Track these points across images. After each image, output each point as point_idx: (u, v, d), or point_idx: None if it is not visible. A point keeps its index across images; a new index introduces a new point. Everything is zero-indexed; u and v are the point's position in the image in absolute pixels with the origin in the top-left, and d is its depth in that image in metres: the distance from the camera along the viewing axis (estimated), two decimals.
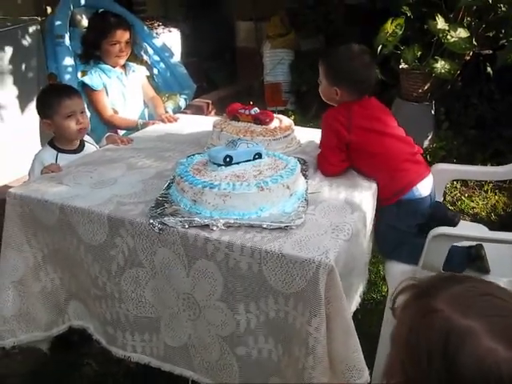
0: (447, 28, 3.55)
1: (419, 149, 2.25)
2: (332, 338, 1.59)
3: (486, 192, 4.02)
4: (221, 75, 5.92)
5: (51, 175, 2.14)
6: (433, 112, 4.30)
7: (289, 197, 1.79)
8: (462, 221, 3.45)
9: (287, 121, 2.43)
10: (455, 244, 2.10)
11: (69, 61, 4.01)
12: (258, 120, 2.32)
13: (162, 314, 1.86)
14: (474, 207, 3.86)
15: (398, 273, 2.19)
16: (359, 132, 2.09)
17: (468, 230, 2.30)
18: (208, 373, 1.83)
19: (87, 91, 3.05)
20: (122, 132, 3.03)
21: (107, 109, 3.05)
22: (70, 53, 4.04)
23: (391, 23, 3.67)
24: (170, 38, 5.19)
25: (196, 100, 5.20)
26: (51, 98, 2.41)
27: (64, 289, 2.07)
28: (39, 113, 2.48)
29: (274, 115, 2.43)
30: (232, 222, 1.69)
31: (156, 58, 4.77)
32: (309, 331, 1.55)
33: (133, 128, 2.97)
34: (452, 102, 4.52)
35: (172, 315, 1.83)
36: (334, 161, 2.12)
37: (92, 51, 3.08)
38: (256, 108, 2.37)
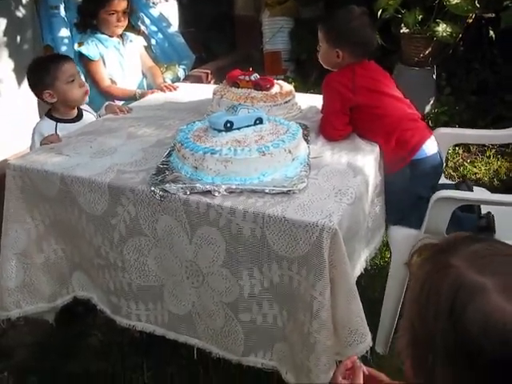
0: None
1: (418, 113, 2.23)
2: (335, 302, 1.59)
3: (489, 157, 4.00)
4: (219, 44, 5.84)
5: (51, 146, 2.12)
6: (434, 77, 4.24)
7: (291, 161, 1.77)
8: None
9: (288, 86, 2.40)
10: (466, 213, 2.10)
11: (65, 32, 3.96)
12: (258, 86, 2.29)
13: (165, 282, 1.85)
14: (476, 172, 3.84)
15: (401, 238, 2.18)
16: (364, 93, 2.08)
17: (470, 192, 2.27)
18: (213, 340, 1.84)
19: (84, 61, 3.01)
20: (121, 102, 3.01)
21: (105, 79, 3.01)
22: (66, 23, 3.99)
23: None
24: (167, 8, 5.10)
25: (195, 70, 5.14)
26: (48, 65, 2.37)
27: (67, 259, 2.07)
28: (36, 86, 2.41)
29: (275, 81, 2.40)
30: (234, 187, 1.67)
31: (153, 28, 4.72)
32: (313, 295, 1.55)
33: (131, 98, 2.94)
34: (453, 67, 4.46)
35: (175, 283, 1.82)
36: (338, 124, 2.10)
37: (89, 21, 3.03)
38: (256, 74, 2.34)
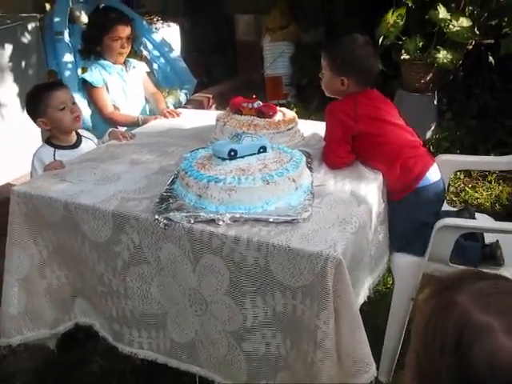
0: (449, 18, 3.52)
1: (419, 140, 2.24)
2: (339, 331, 1.58)
3: (490, 182, 4.01)
4: (221, 69, 5.89)
5: (54, 172, 2.13)
6: (435, 103, 4.28)
7: (294, 190, 1.78)
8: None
9: (290, 114, 2.41)
10: (470, 241, 2.10)
11: (69, 57, 4.01)
12: (261, 113, 2.31)
13: (168, 310, 1.85)
14: (477, 198, 3.84)
15: (404, 265, 2.17)
16: (366, 121, 2.08)
17: (474, 220, 2.28)
18: (215, 368, 1.83)
19: (88, 88, 3.04)
20: (124, 128, 3.02)
21: (108, 106, 3.03)
22: (70, 49, 4.05)
23: (392, 14, 3.64)
24: (170, 33, 5.17)
25: (196, 95, 5.19)
26: (40, 93, 2.40)
27: (70, 286, 2.06)
28: (32, 114, 2.45)
29: (277, 108, 2.41)
30: (238, 216, 1.67)
31: (156, 53, 4.78)
32: (317, 325, 1.54)
33: (134, 124, 2.96)
34: (454, 93, 4.50)
35: (178, 311, 1.82)
36: (341, 153, 2.11)
37: (93, 47, 3.05)
38: (259, 101, 2.35)
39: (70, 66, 3.97)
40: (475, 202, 3.79)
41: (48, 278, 2.04)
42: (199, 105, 5.06)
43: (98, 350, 2.51)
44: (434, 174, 2.14)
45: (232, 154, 1.83)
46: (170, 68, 4.82)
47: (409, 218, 2.14)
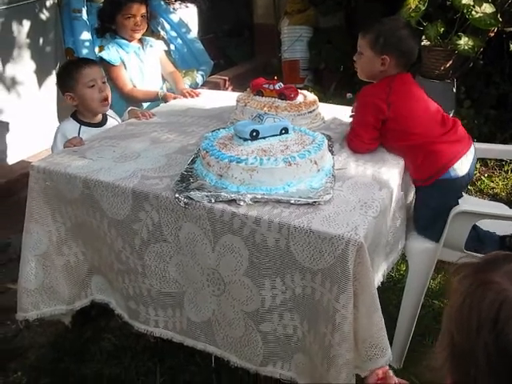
0: (472, 3, 3.47)
1: (456, 120, 2.19)
2: (357, 315, 1.57)
3: (506, 172, 3.97)
4: (238, 52, 5.86)
5: (74, 149, 2.13)
6: (454, 90, 4.22)
7: (316, 172, 1.76)
8: (482, 200, 3.43)
9: (311, 96, 2.38)
10: (490, 231, 2.08)
11: (86, 35, 3.98)
12: (282, 95, 2.28)
13: (185, 290, 1.85)
14: (493, 187, 3.81)
15: (419, 251, 2.17)
16: (398, 109, 2.05)
17: (491, 207, 2.26)
18: (231, 348, 1.83)
19: (105, 66, 3.02)
20: (144, 105, 3.01)
21: (127, 83, 3.02)
22: (88, 27, 4.01)
23: None
24: (187, 14, 5.13)
25: (213, 76, 5.16)
26: (71, 69, 2.41)
27: (87, 263, 2.07)
28: (61, 87, 2.46)
29: (299, 90, 2.39)
30: (259, 197, 1.66)
31: (173, 33, 4.73)
32: (336, 308, 1.54)
33: (153, 99, 2.95)
34: (473, 81, 4.44)
35: (196, 290, 1.82)
36: (367, 138, 2.08)
37: (108, 25, 3.04)
38: (280, 83, 2.33)
39: (87, 44, 3.94)
40: (491, 192, 3.77)
41: (66, 254, 2.05)
42: (215, 87, 5.04)
43: (111, 327, 2.54)
44: (459, 170, 2.09)
45: (254, 134, 1.82)
46: (187, 49, 4.77)
47: (425, 205, 2.13)
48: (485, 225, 2.18)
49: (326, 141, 1.90)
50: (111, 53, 3.00)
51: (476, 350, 0.80)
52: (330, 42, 5.30)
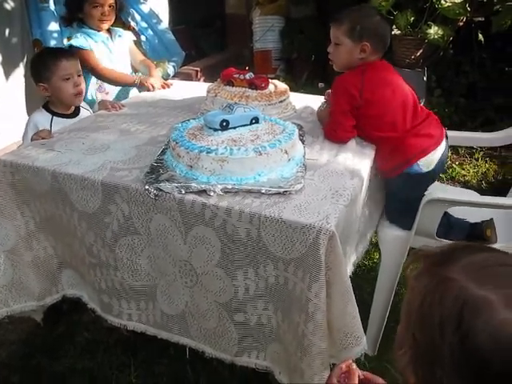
0: None
1: (429, 113, 2.20)
2: (331, 304, 1.58)
3: (477, 160, 4.02)
4: (210, 42, 5.82)
5: (42, 141, 2.09)
6: (425, 79, 4.26)
7: (287, 162, 1.76)
8: (453, 187, 3.47)
9: (282, 86, 2.38)
10: (459, 217, 2.09)
11: (54, 26, 3.91)
12: (253, 85, 2.27)
13: (158, 282, 1.83)
14: (464, 175, 3.86)
15: (391, 239, 2.19)
16: (369, 95, 2.04)
17: (461, 194, 2.28)
18: (206, 340, 1.82)
19: (76, 53, 2.95)
20: (114, 96, 2.96)
21: (99, 63, 2.93)
22: (55, 18, 3.94)
23: None
24: (158, 4, 5.07)
25: (184, 67, 5.12)
26: (48, 59, 2.35)
27: (57, 257, 2.04)
28: (34, 76, 2.40)
29: (269, 80, 2.38)
30: (230, 187, 1.65)
31: (143, 24, 4.68)
32: (309, 297, 1.54)
33: (129, 84, 2.91)
34: (444, 70, 4.48)
35: (168, 282, 1.80)
36: (349, 126, 2.07)
37: (75, 14, 2.98)
38: (251, 73, 2.32)
39: (55, 34, 3.87)
40: (462, 179, 3.81)
41: (35, 249, 2.01)
42: (187, 77, 5.00)
43: (83, 322, 2.51)
44: (424, 166, 2.09)
45: (224, 124, 1.81)
46: (158, 40, 4.72)
47: (393, 195, 2.14)
48: (457, 212, 2.20)
49: (297, 130, 1.89)
50: (79, 40, 2.95)
51: (441, 350, 0.78)
52: (302, 31, 5.30)
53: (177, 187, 1.66)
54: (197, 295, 1.76)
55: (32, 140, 2.15)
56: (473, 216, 2.24)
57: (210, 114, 1.87)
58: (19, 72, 3.86)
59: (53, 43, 3.86)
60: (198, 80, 5.16)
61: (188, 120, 2.01)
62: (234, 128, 1.83)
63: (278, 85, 2.38)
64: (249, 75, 2.29)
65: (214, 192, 1.64)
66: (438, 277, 0.82)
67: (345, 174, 1.82)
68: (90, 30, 2.97)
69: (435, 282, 0.82)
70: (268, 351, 1.75)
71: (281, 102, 2.27)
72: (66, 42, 3.48)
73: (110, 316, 1.96)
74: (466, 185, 3.71)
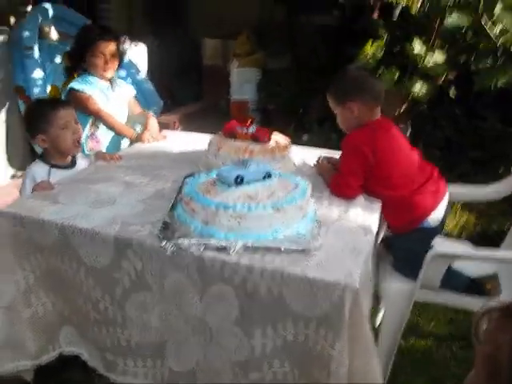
0: (423, 54, 3.61)
1: (433, 168, 2.24)
2: (353, 359, 1.56)
3: (455, 212, 4.09)
4: (186, 92, 5.86)
5: (44, 193, 2.04)
6: (408, 134, 4.36)
7: (301, 218, 1.75)
8: (449, 239, 3.50)
9: (283, 140, 2.39)
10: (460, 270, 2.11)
11: (38, 73, 3.91)
12: (256, 138, 2.28)
13: (167, 339, 1.78)
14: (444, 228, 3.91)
15: (395, 292, 2.18)
16: (381, 156, 2.08)
17: (466, 249, 2.33)
18: None
19: (76, 97, 2.88)
20: (105, 144, 2.92)
21: (102, 108, 2.90)
22: (39, 65, 3.94)
23: (371, 45, 3.70)
24: (137, 53, 5.10)
25: (162, 117, 5.12)
26: (45, 110, 2.31)
27: (56, 314, 1.96)
28: (31, 130, 2.36)
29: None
30: (249, 244, 1.63)
31: (122, 73, 4.68)
32: (331, 354, 1.52)
33: (126, 135, 2.88)
34: (421, 124, 4.60)
35: (179, 340, 1.75)
36: (355, 185, 2.10)
37: (79, 65, 2.96)
38: (253, 126, 2.33)
39: (39, 82, 3.86)
40: (442, 233, 3.86)
41: (33, 305, 1.93)
42: (165, 127, 4.98)
43: (75, 379, 2.40)
44: (433, 220, 2.15)
45: (238, 180, 1.80)
46: (137, 89, 4.73)
47: (405, 249, 2.16)
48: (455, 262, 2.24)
49: (310, 186, 1.90)
50: (80, 84, 2.91)
51: None
52: (279, 83, 5.39)
53: (195, 244, 1.63)
54: (210, 353, 1.71)
55: (33, 191, 2.10)
56: (471, 267, 2.27)
57: (224, 170, 1.86)
58: (1, 118, 3.81)
59: (36, 90, 3.84)
60: (176, 129, 5.16)
61: (194, 174, 1.99)
62: (248, 184, 1.82)
63: (278, 139, 2.38)
64: (252, 129, 2.30)
65: (234, 249, 1.61)
66: None
67: (358, 231, 1.83)
68: (91, 77, 2.94)
69: None
70: None
71: (283, 156, 2.27)
72: (48, 89, 3.46)
73: (114, 374, 1.89)
74: (447, 236, 3.76)
